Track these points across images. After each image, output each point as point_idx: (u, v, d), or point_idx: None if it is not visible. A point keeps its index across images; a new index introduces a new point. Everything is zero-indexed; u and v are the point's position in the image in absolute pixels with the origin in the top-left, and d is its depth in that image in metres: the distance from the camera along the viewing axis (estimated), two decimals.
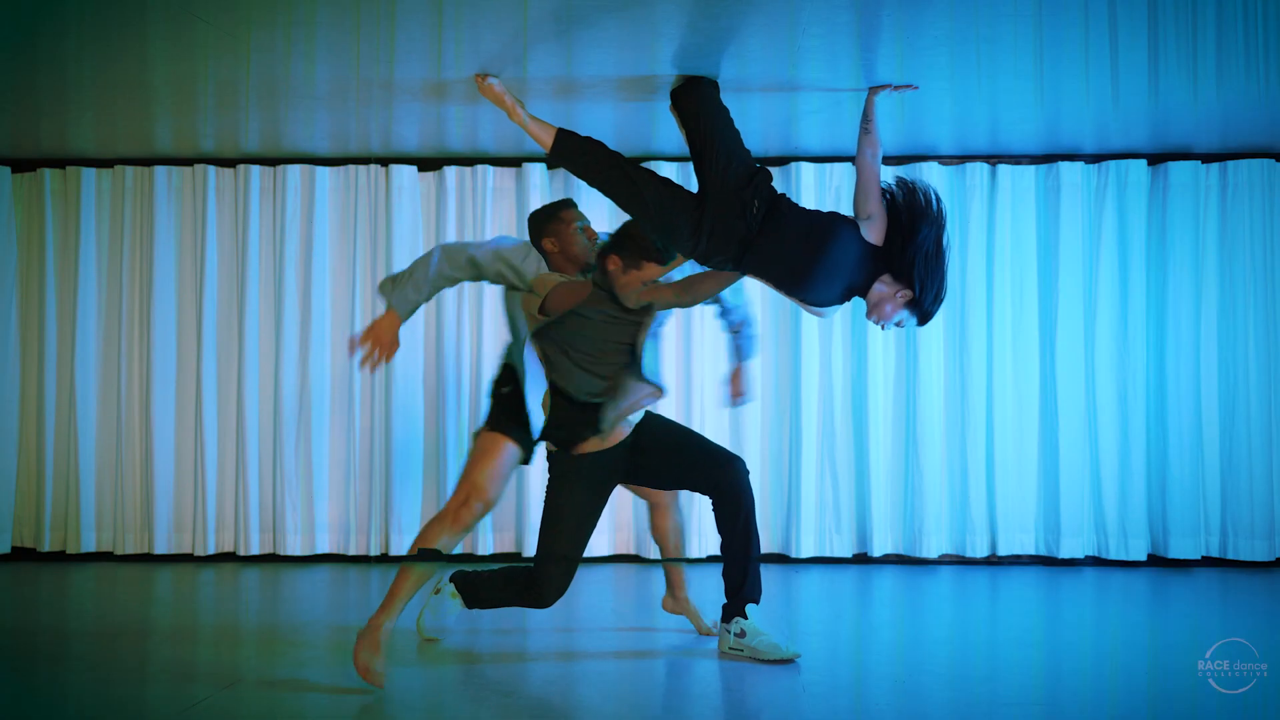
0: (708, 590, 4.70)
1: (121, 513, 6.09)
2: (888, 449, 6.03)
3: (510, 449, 4.09)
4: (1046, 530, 5.99)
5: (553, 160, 3.88)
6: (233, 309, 6.13)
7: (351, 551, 6.05)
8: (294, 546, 6.04)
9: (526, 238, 4.42)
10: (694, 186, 3.92)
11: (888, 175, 3.69)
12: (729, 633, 3.90)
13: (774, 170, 5.94)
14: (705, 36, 3.74)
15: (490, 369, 6.04)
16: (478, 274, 4.12)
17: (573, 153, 3.82)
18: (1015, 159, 6.03)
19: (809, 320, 5.91)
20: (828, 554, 6.00)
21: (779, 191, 3.68)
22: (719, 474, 3.85)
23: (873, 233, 3.53)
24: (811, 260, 3.49)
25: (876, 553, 5.98)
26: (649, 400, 3.90)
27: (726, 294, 4.14)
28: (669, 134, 5.37)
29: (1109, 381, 5.94)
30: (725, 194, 3.58)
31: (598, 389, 3.82)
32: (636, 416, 3.98)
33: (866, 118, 3.74)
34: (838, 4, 3.53)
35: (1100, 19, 3.74)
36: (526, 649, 4.18)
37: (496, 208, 6.10)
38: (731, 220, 3.56)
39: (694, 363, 6.01)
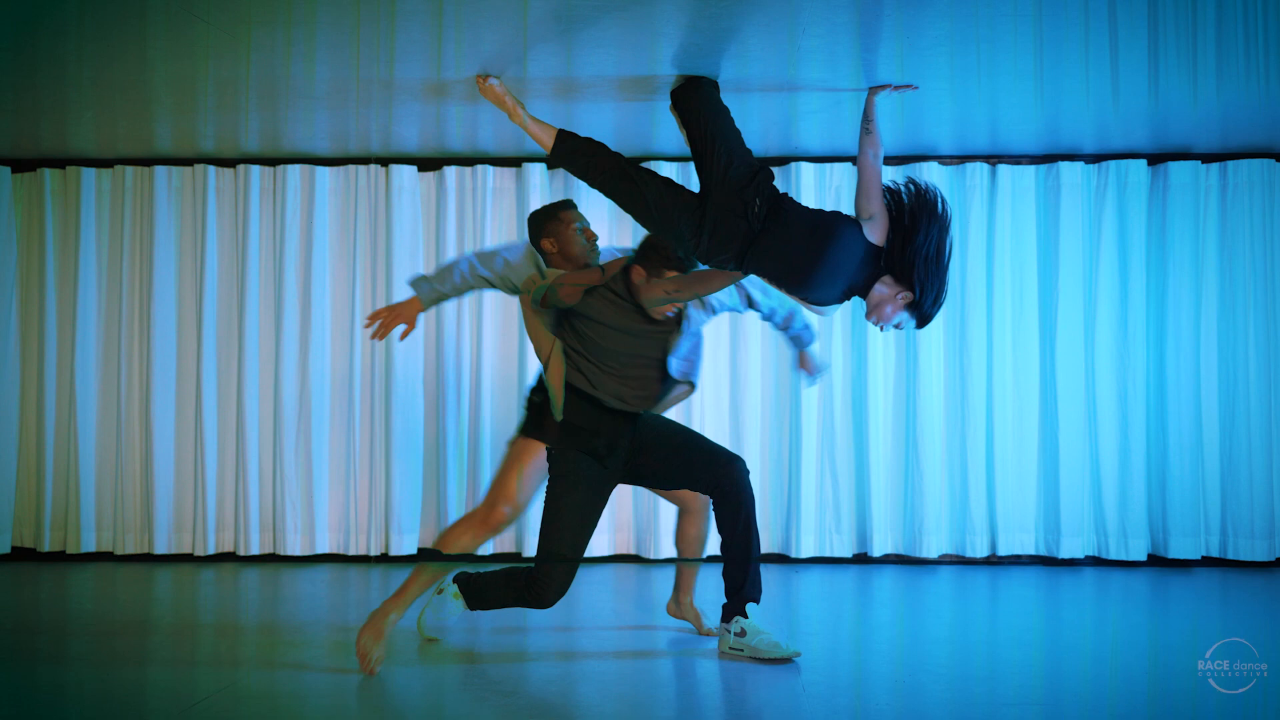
0: (708, 590, 4.70)
1: (121, 513, 6.09)
2: (888, 449, 6.03)
3: (542, 456, 4.17)
4: (1046, 530, 5.99)
5: (553, 161, 3.89)
6: (233, 309, 6.13)
7: (351, 551, 6.05)
8: (294, 546, 6.04)
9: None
10: (695, 186, 3.93)
11: (889, 176, 3.70)
12: (729, 632, 3.90)
13: (774, 170, 5.94)
14: (705, 37, 3.74)
15: (490, 369, 6.05)
16: (509, 275, 4.14)
17: (573, 153, 3.83)
18: (1015, 159, 6.03)
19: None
20: (828, 554, 6.00)
21: (781, 191, 3.69)
22: (720, 474, 3.85)
23: (874, 233, 3.53)
24: (814, 259, 3.49)
25: (876, 553, 5.98)
26: (682, 397, 4.02)
27: (760, 299, 4.17)
28: (669, 134, 5.37)
29: (1109, 381, 5.94)
30: (727, 193, 3.59)
31: (630, 397, 3.88)
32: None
33: (867, 118, 3.74)
34: (838, 4, 3.53)
35: (1100, 19, 3.74)
36: (527, 649, 4.18)
37: (496, 208, 6.10)
38: (734, 219, 3.57)
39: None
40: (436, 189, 6.13)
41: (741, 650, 3.87)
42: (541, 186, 6.02)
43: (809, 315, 4.40)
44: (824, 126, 5.29)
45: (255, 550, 6.04)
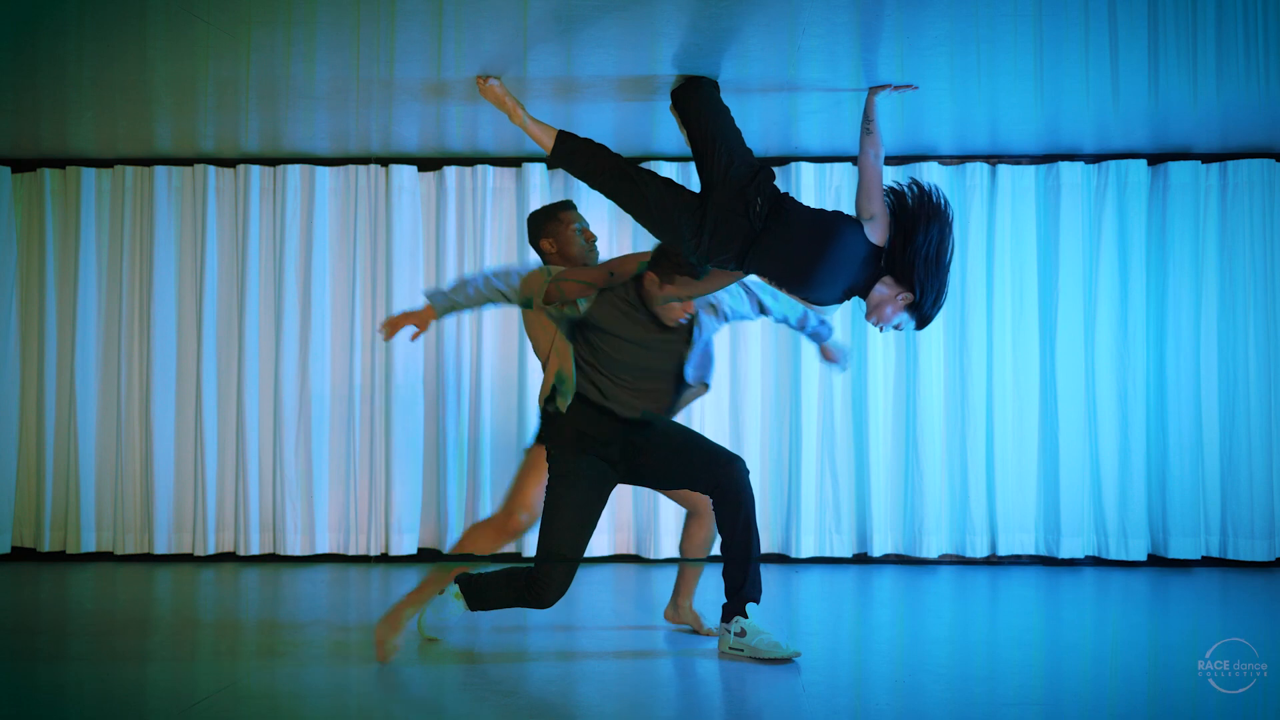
0: (708, 590, 4.70)
1: (121, 513, 6.09)
2: (888, 449, 6.03)
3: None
4: (1046, 530, 5.99)
5: (553, 162, 3.89)
6: (233, 309, 6.13)
7: (351, 551, 6.05)
8: (294, 546, 6.04)
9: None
10: (695, 186, 3.93)
11: (890, 176, 3.70)
12: (729, 632, 3.89)
13: (774, 170, 5.93)
14: (705, 37, 3.74)
15: (490, 369, 6.05)
16: (522, 288, 4.18)
17: (573, 154, 3.84)
18: (1015, 159, 6.03)
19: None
20: (828, 554, 6.00)
21: (782, 190, 3.69)
22: (720, 474, 3.85)
23: (875, 233, 3.53)
24: (815, 259, 3.49)
25: (876, 553, 5.98)
26: (694, 397, 4.07)
27: (772, 304, 4.20)
28: (669, 134, 5.37)
29: (1109, 381, 5.94)
30: (728, 192, 3.59)
31: (643, 407, 3.92)
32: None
33: (868, 118, 3.74)
34: (838, 4, 3.53)
35: (1100, 19, 3.74)
36: (527, 649, 4.18)
37: (496, 208, 6.10)
38: (735, 218, 3.57)
39: None
40: (436, 189, 6.13)
41: (741, 650, 3.87)
42: (541, 187, 6.02)
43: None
44: (824, 126, 5.29)
45: (255, 550, 6.04)
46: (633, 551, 6.09)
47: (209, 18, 3.70)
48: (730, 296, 4.09)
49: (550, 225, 4.26)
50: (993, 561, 6.01)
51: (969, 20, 3.74)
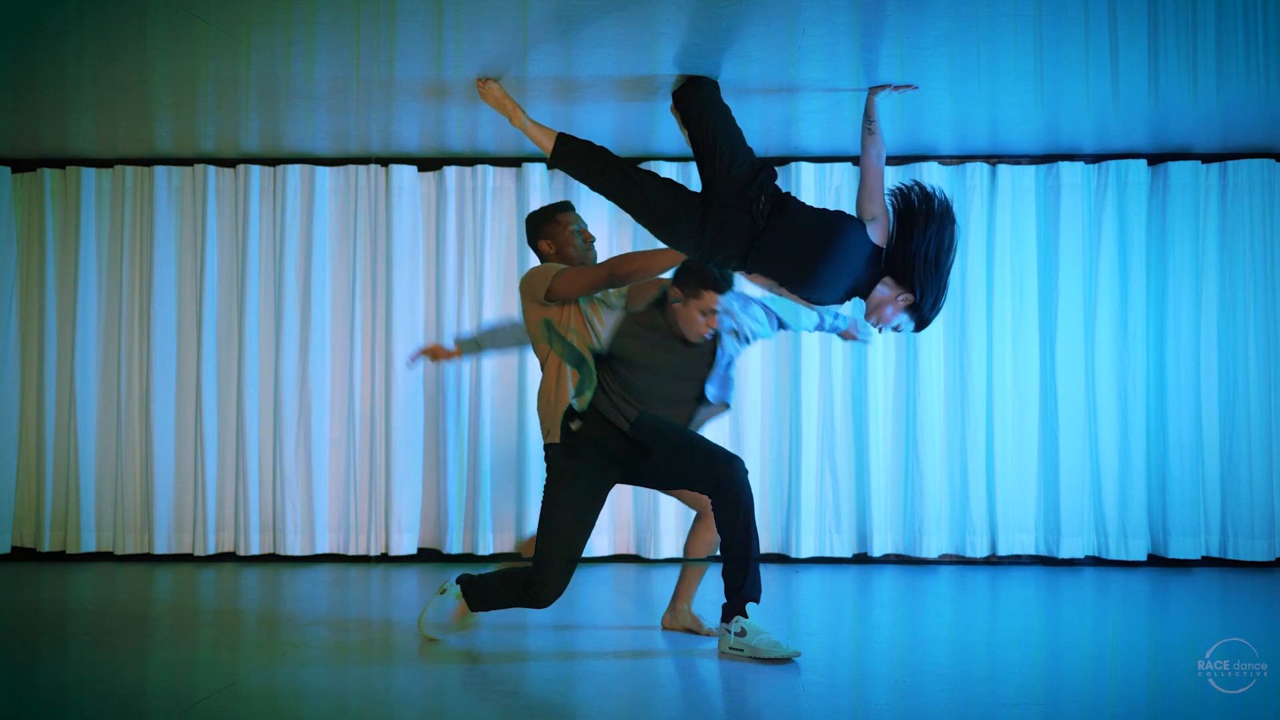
0: (707, 590, 4.70)
1: (121, 513, 6.08)
2: (888, 449, 6.03)
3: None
4: (1046, 530, 5.99)
5: (553, 163, 3.90)
6: (233, 309, 6.13)
7: (351, 551, 6.05)
8: (294, 546, 6.04)
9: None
10: (696, 186, 3.93)
11: (890, 177, 3.70)
12: (729, 632, 3.89)
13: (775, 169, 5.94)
14: (706, 37, 3.74)
15: (490, 369, 6.05)
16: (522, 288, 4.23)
17: (573, 156, 3.84)
18: (1015, 159, 6.03)
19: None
20: (828, 554, 6.00)
21: (784, 190, 3.69)
22: (719, 474, 3.85)
23: (877, 233, 3.54)
24: (818, 258, 3.49)
25: (876, 553, 5.98)
26: (715, 416, 4.14)
27: (790, 320, 4.28)
28: (669, 134, 5.37)
29: (1109, 381, 5.94)
30: (730, 191, 3.59)
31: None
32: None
33: (869, 118, 3.75)
34: (838, 4, 3.53)
35: (1100, 19, 3.74)
36: (527, 648, 4.18)
37: (496, 208, 6.10)
38: (738, 217, 3.57)
39: None
40: (436, 189, 6.13)
41: (741, 650, 3.87)
42: (541, 187, 6.02)
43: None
44: (824, 126, 5.29)
45: (255, 550, 6.04)
46: (633, 551, 6.09)
47: (209, 18, 3.70)
48: (750, 319, 4.12)
49: (548, 226, 4.26)
50: (993, 561, 6.01)
51: (969, 20, 3.74)
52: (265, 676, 3.74)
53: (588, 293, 4.04)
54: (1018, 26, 3.82)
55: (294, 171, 6.09)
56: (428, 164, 6.11)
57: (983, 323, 5.99)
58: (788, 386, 6.04)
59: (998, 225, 6.00)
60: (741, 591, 3.88)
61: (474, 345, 4.62)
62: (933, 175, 5.95)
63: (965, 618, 4.84)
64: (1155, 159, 5.98)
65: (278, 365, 6.07)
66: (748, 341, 4.15)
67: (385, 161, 6.09)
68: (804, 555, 5.97)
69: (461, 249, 6.08)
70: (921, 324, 3.57)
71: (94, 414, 6.13)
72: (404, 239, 6.06)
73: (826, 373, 6.00)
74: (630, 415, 3.93)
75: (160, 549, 6.04)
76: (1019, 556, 6.01)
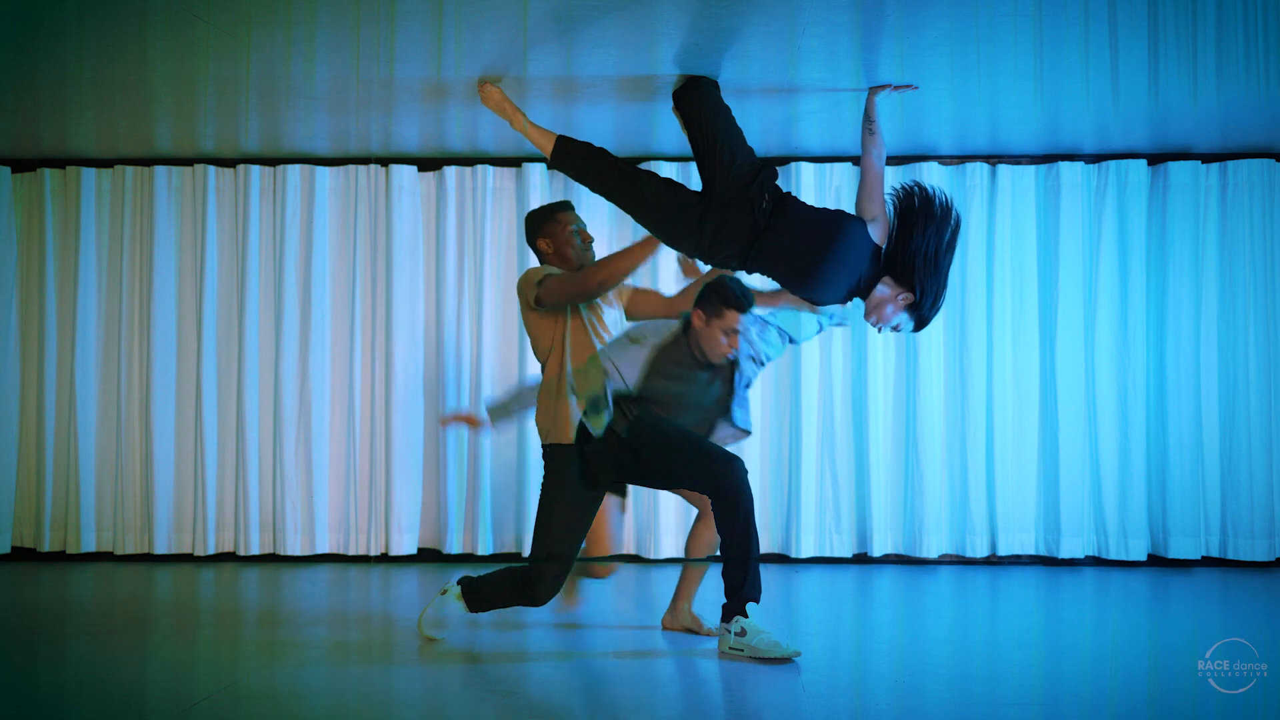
0: (707, 590, 4.70)
1: (121, 513, 6.08)
2: (888, 449, 6.03)
3: (613, 500, 4.42)
4: (1046, 530, 5.99)
5: (552, 164, 3.90)
6: (233, 309, 6.13)
7: (351, 551, 6.05)
8: (294, 546, 6.04)
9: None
10: (696, 186, 3.93)
11: (890, 177, 3.70)
12: (729, 632, 3.89)
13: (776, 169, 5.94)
14: (706, 37, 3.74)
15: (490, 369, 6.05)
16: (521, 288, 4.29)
17: (572, 158, 3.85)
18: (1015, 159, 6.03)
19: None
20: (828, 554, 6.00)
21: (785, 190, 3.69)
22: (718, 474, 3.85)
23: (877, 233, 3.54)
24: (820, 257, 3.49)
25: (876, 553, 5.98)
26: (733, 441, 4.15)
27: (799, 335, 4.29)
28: (669, 134, 5.37)
29: (1109, 381, 5.94)
30: (730, 191, 3.60)
31: None
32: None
33: (869, 118, 3.75)
34: (838, 4, 3.53)
35: (1100, 19, 3.74)
36: (527, 648, 4.18)
37: (496, 208, 6.10)
38: (739, 216, 3.57)
39: None
40: (436, 189, 6.13)
41: (741, 650, 3.87)
42: (541, 187, 6.02)
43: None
44: (824, 126, 5.29)
45: (255, 550, 6.04)
46: (633, 551, 6.09)
47: (209, 18, 3.70)
48: (763, 342, 4.13)
49: (547, 226, 4.27)
50: (993, 561, 6.01)
51: (969, 20, 3.74)
52: (265, 676, 3.74)
53: (574, 301, 4.06)
54: (1018, 26, 3.82)
55: (294, 171, 6.09)
56: (428, 164, 6.11)
57: (983, 323, 5.99)
58: (788, 386, 6.03)
59: (998, 225, 6.00)
60: (741, 591, 3.88)
61: (504, 411, 4.60)
62: (933, 175, 5.95)
63: (965, 618, 4.84)
64: (1155, 159, 5.98)
65: (278, 365, 6.07)
66: (762, 365, 4.16)
67: (385, 161, 6.09)
68: (804, 555, 5.97)
69: (461, 249, 6.08)
70: (921, 323, 3.58)
71: (94, 414, 6.13)
72: (404, 239, 6.06)
73: (826, 373, 6.00)
74: (631, 413, 3.92)
75: (160, 549, 6.04)
76: (1019, 556, 6.01)
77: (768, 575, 4.95)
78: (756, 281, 5.73)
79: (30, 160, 6.18)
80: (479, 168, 6.06)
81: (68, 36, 3.98)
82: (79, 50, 4.15)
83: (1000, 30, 3.85)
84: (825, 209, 3.62)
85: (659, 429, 3.98)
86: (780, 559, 6.03)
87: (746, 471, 3.90)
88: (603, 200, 5.58)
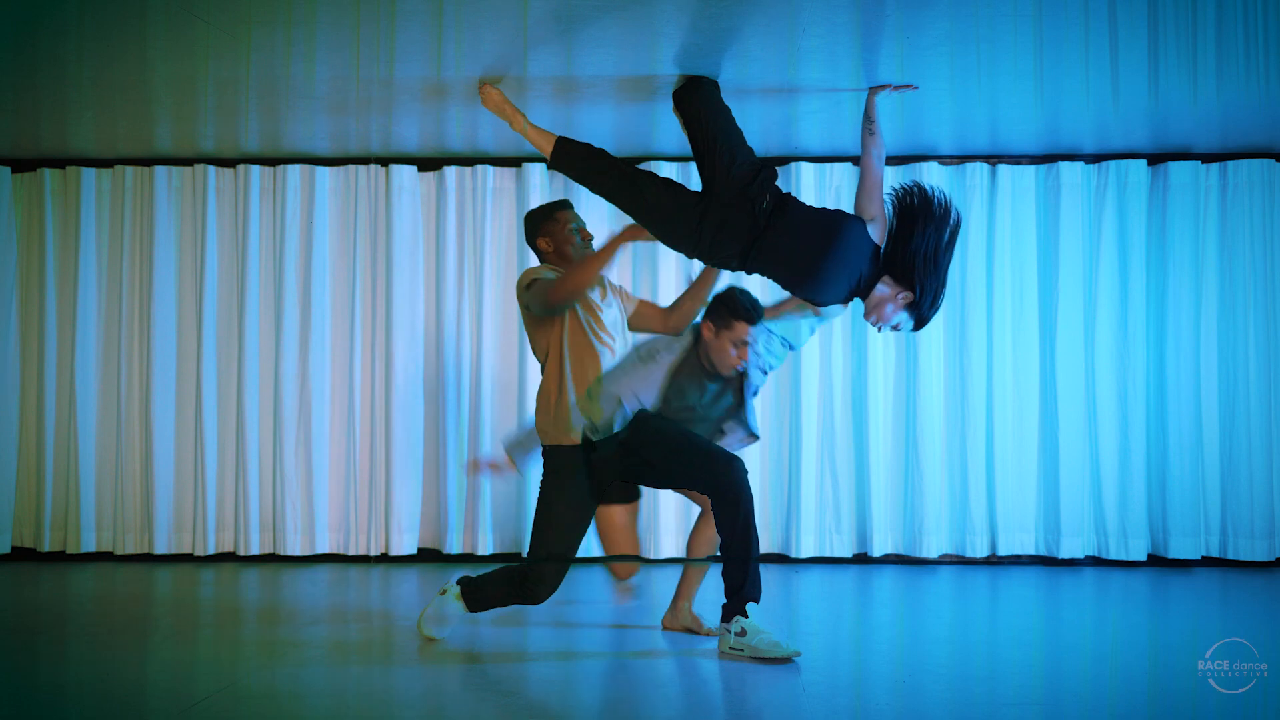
0: (707, 590, 4.70)
1: (121, 513, 6.08)
2: (888, 449, 6.03)
3: (627, 509, 4.42)
4: (1046, 530, 5.99)
5: (552, 165, 3.91)
6: (233, 309, 6.13)
7: (351, 551, 6.05)
8: (294, 546, 6.04)
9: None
10: (696, 186, 3.93)
11: (890, 177, 3.70)
12: (729, 632, 3.90)
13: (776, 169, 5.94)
14: (706, 37, 3.75)
15: (490, 369, 6.05)
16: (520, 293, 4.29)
17: (572, 159, 3.86)
18: (1015, 159, 6.02)
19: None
20: (828, 554, 6.00)
21: (785, 190, 3.70)
22: (718, 474, 3.86)
23: (876, 232, 3.54)
24: (820, 257, 3.50)
25: (876, 553, 5.98)
26: (743, 445, 4.15)
27: (796, 340, 4.28)
28: (669, 134, 5.37)
29: (1109, 381, 5.94)
30: (730, 191, 3.60)
31: None
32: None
33: (869, 118, 3.75)
34: (838, 4, 3.53)
35: (1100, 19, 3.75)
36: (527, 648, 4.18)
37: (496, 208, 6.10)
38: (739, 216, 3.58)
39: None
40: (436, 189, 6.13)
41: (741, 650, 3.87)
42: (541, 187, 6.02)
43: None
44: (824, 126, 5.29)
45: (255, 550, 6.04)
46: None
47: (209, 18, 3.70)
48: (767, 353, 4.13)
49: (547, 225, 4.27)
50: (993, 561, 6.01)
51: (969, 20, 3.74)
52: (265, 676, 3.74)
53: (554, 310, 4.05)
54: (1018, 26, 3.82)
55: (294, 171, 6.09)
56: (428, 164, 6.11)
57: (983, 323, 5.99)
58: (788, 386, 6.03)
59: (998, 225, 6.00)
60: (741, 591, 3.88)
61: (523, 447, 4.56)
62: (933, 175, 5.95)
63: (965, 618, 4.84)
64: (1155, 159, 5.98)
65: (278, 365, 6.07)
66: (765, 373, 4.17)
67: (385, 161, 6.09)
68: (804, 555, 5.97)
69: (461, 249, 6.08)
70: (920, 323, 3.58)
71: (94, 414, 6.13)
72: (404, 239, 6.06)
73: (826, 373, 6.00)
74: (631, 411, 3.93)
75: (160, 549, 6.04)
76: (1019, 556, 6.01)
77: (768, 575, 4.96)
78: (755, 284, 5.74)
79: (30, 160, 6.18)
80: (479, 168, 6.06)
81: (68, 36, 3.98)
82: (79, 50, 4.15)
83: (1000, 30, 3.85)
84: (825, 209, 3.63)
85: (659, 429, 3.98)
86: (780, 559, 6.03)
87: (746, 471, 3.90)
88: (603, 200, 5.59)
